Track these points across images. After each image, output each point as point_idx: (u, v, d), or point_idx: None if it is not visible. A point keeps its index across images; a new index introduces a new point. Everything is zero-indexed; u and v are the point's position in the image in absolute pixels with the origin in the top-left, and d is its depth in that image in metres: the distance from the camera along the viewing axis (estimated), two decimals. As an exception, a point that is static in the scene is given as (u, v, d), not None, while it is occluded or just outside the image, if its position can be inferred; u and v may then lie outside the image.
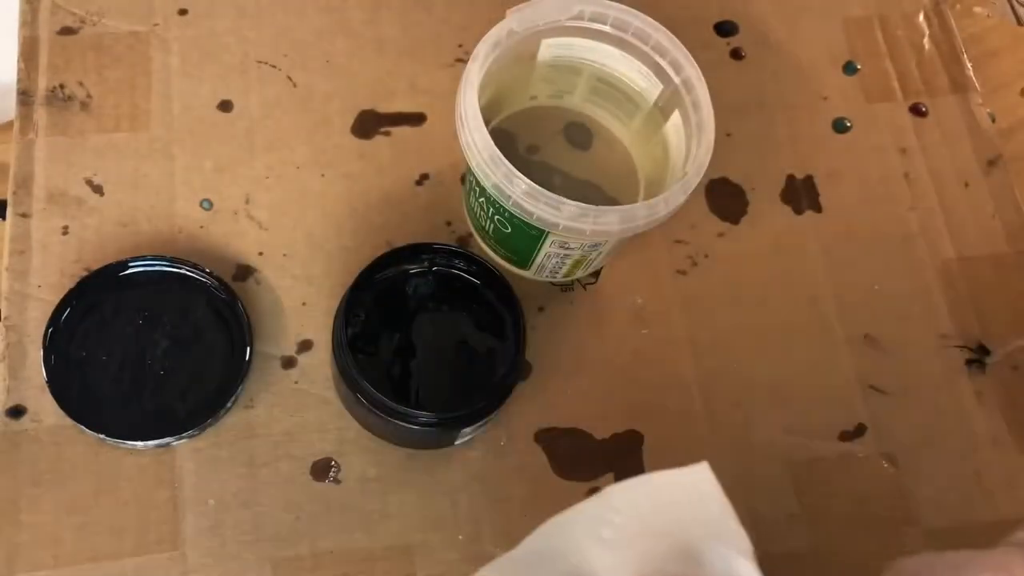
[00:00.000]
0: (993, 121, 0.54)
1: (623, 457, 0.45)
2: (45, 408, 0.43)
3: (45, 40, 0.49)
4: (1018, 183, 0.53)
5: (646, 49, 0.43)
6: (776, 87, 0.54)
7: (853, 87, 0.54)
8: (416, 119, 0.50)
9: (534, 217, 0.39)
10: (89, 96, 0.49)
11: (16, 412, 0.43)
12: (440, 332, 0.43)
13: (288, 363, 0.45)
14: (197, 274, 0.44)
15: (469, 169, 0.41)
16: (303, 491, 0.43)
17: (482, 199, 0.42)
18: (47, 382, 0.42)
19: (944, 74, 0.55)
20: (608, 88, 0.46)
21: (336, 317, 0.41)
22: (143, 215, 0.47)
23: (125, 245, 0.46)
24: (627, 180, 0.47)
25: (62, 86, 0.49)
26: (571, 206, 0.38)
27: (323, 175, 0.49)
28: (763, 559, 0.45)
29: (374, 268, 0.42)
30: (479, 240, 0.48)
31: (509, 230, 0.43)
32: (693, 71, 0.42)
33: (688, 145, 0.42)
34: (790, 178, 0.52)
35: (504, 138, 0.47)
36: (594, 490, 0.44)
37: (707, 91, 0.42)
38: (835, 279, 0.49)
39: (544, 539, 0.28)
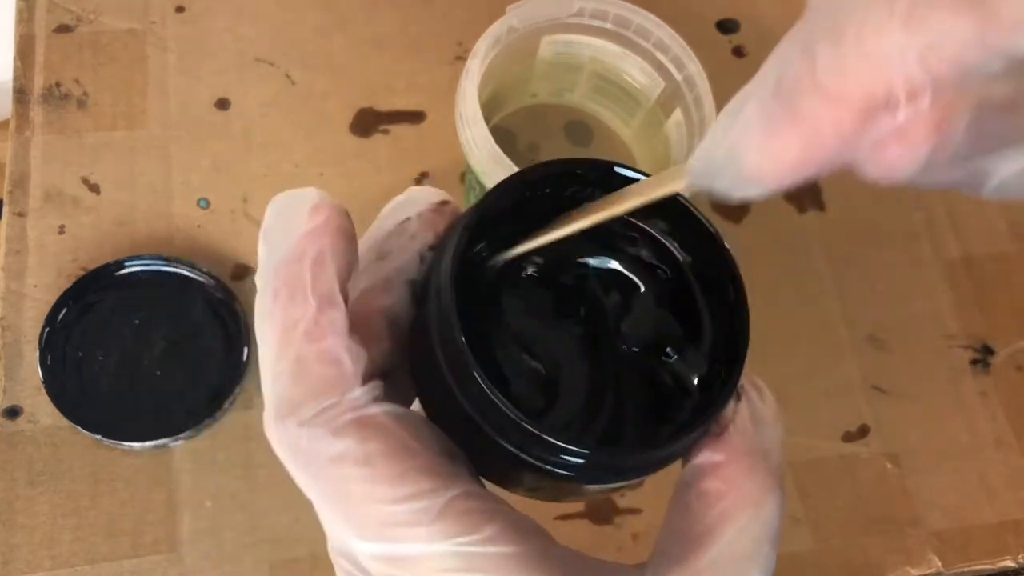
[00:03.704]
0: (997, 119, 0.54)
1: (624, 458, 0.45)
2: (41, 408, 0.42)
3: (41, 38, 0.49)
4: (1022, 181, 0.52)
5: (647, 46, 0.43)
6: (778, 85, 0.53)
7: (856, 85, 0.54)
8: (415, 117, 0.50)
9: (534, 216, 0.39)
10: (85, 94, 0.48)
11: (12, 413, 0.42)
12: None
13: (286, 363, 0.45)
14: (194, 273, 0.44)
15: (469, 167, 0.41)
16: (302, 493, 0.43)
17: (482, 198, 0.42)
18: (43, 382, 0.42)
19: (948, 72, 0.54)
20: (609, 85, 0.45)
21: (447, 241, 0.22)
22: (140, 214, 0.46)
23: (122, 244, 0.46)
24: (628, 178, 0.47)
25: (58, 84, 0.48)
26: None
27: (321, 174, 0.48)
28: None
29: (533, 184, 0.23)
30: (479, 239, 0.47)
31: (509, 229, 0.42)
32: (695, 68, 0.42)
33: (690, 143, 0.42)
34: (792, 176, 0.51)
35: (504, 136, 0.46)
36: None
37: (709, 88, 0.41)
38: (839, 279, 0.49)
39: None
